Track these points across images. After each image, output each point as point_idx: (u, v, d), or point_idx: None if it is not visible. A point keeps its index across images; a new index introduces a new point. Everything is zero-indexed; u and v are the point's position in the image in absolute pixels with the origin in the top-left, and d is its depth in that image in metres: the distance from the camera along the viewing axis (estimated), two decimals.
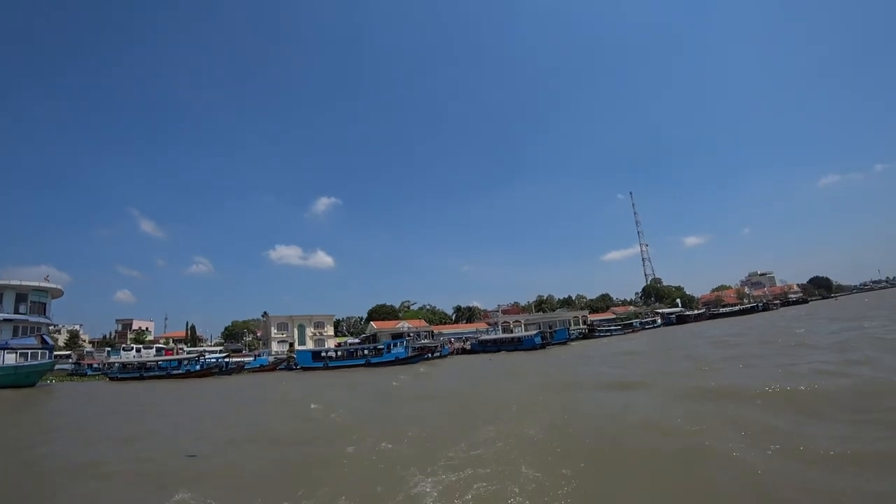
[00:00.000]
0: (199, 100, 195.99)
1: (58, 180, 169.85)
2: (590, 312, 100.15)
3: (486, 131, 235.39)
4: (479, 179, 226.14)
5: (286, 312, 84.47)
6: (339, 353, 52.29)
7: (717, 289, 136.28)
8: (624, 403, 12.49)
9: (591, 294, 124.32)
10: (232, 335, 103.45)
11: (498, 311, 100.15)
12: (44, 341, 42.76)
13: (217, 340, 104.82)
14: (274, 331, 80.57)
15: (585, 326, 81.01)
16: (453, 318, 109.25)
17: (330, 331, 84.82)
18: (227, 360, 53.87)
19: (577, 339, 67.99)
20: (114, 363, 56.10)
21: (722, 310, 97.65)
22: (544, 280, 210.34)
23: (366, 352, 50.90)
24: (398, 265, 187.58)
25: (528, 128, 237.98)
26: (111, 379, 50.14)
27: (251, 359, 56.93)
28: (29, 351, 40.83)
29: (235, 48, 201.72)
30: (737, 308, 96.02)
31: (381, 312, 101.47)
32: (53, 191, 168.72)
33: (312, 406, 17.92)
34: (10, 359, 39.37)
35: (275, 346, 77.67)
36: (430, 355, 52.88)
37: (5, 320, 39.67)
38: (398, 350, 49.27)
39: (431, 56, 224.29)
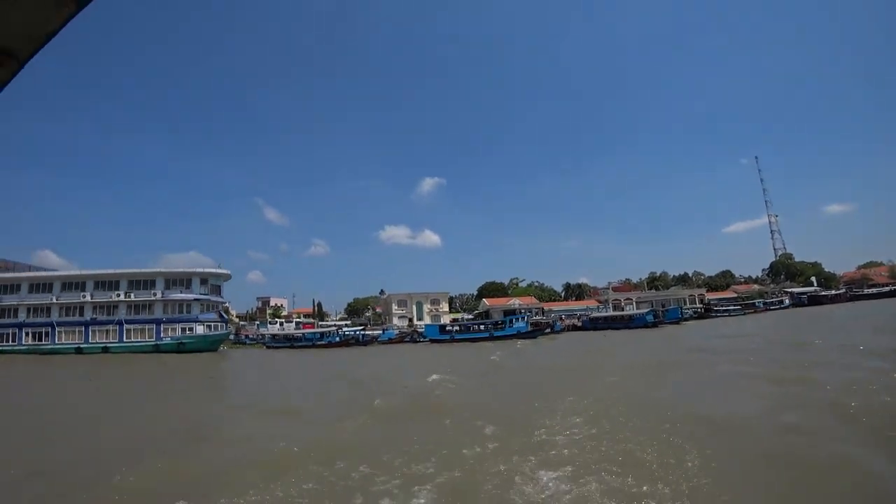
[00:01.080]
0: (305, 93, 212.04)
1: (196, 179, 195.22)
2: (707, 290, 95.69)
3: (583, 96, 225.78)
4: (581, 149, 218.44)
5: (397, 289, 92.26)
6: (464, 326, 57.34)
7: (865, 266, 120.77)
8: (698, 384, 14.67)
9: (711, 271, 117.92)
10: (354, 311, 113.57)
11: (608, 289, 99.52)
12: (221, 316, 52.65)
13: (341, 315, 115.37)
14: (395, 307, 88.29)
15: (701, 305, 78.55)
16: (562, 295, 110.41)
17: (445, 307, 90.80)
18: (363, 332, 61.21)
19: (691, 318, 66.67)
20: (264, 334, 66.32)
21: (867, 290, 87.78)
22: (658, 255, 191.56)
23: (488, 326, 55.28)
24: (503, 241, 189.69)
25: (631, 87, 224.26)
26: (268, 347, 59.53)
27: (380, 332, 63.87)
28: (212, 323, 50.69)
29: (329, 40, 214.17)
30: (886, 289, 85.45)
31: (490, 289, 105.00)
32: (195, 188, 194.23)
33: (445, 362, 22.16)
34: (200, 329, 49.31)
35: (395, 321, 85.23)
36: (548, 330, 56.24)
37: (195, 300, 49.70)
38: (519, 325, 53.01)
39: (520, 28, 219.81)
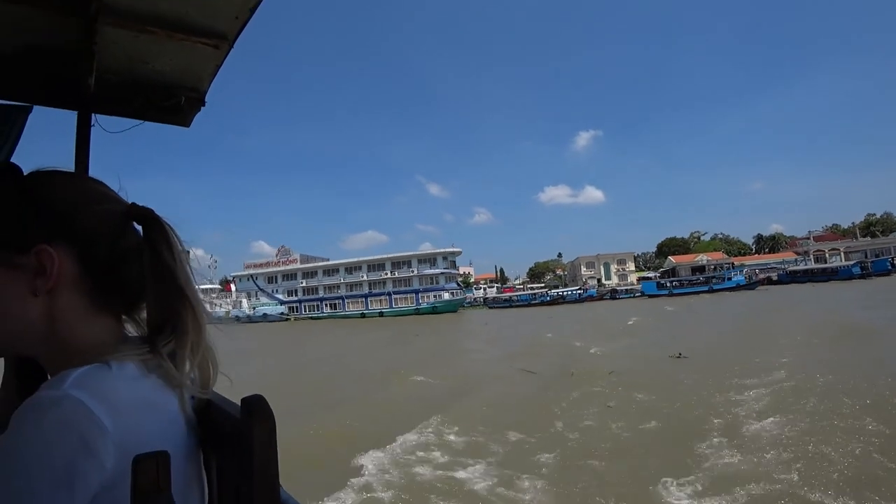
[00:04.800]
0: (451, 71, 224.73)
1: (372, 163, 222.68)
2: None
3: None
4: (764, 69, 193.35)
5: (567, 250, 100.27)
6: (681, 281, 63.70)
7: None
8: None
9: None
10: (535, 274, 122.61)
11: (808, 239, 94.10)
12: (458, 285, 67.62)
13: (523, 279, 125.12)
14: (583, 269, 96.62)
15: None
16: (753, 248, 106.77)
17: (631, 266, 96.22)
18: (579, 291, 71.64)
19: None
20: (475, 297, 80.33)
21: None
22: (882, 192, 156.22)
23: (708, 279, 61.08)
24: (674, 191, 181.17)
25: None
26: (490, 308, 72.86)
27: (582, 291, 72.51)
28: (454, 290, 65.92)
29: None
30: None
31: (671, 246, 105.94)
32: (371, 171, 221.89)
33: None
34: (447, 296, 64.64)
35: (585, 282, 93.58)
36: (766, 282, 60.51)
37: (441, 273, 65.17)
38: (738, 278, 58.71)
39: None
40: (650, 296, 61.86)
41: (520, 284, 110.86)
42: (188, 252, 0.69)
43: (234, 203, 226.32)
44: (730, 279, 58.13)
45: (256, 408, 0.61)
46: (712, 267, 70.53)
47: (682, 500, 5.68)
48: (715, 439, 7.41)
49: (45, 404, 0.50)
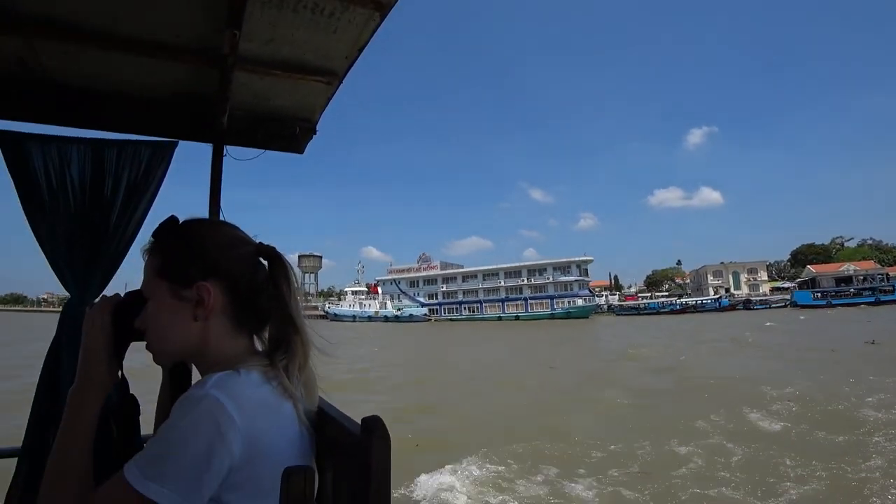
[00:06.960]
0: (553, 73, 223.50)
1: (474, 170, 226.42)
2: None
3: None
4: None
5: (677, 256, 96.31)
6: (838, 292, 61.77)
7: None
8: None
9: None
10: (653, 283, 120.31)
11: None
12: (590, 291, 71.87)
13: (639, 287, 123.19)
14: (710, 278, 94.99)
15: None
16: None
17: (763, 276, 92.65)
18: (718, 299, 71.70)
19: None
20: (603, 305, 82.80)
21: None
22: None
23: (874, 291, 59.42)
24: (808, 187, 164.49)
25: None
26: (617, 315, 75.11)
27: (710, 301, 72.54)
28: (586, 297, 70.30)
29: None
30: None
31: (808, 253, 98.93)
32: (473, 179, 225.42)
33: None
34: (580, 302, 69.18)
35: (711, 292, 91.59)
36: None
37: (575, 280, 69.96)
38: None
39: None
40: (802, 306, 59.97)
41: (644, 293, 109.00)
42: (302, 285, 0.96)
43: (344, 211, 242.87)
44: None
45: (375, 428, 0.69)
46: (861, 278, 65.21)
47: None
48: None
49: (195, 400, 0.73)
